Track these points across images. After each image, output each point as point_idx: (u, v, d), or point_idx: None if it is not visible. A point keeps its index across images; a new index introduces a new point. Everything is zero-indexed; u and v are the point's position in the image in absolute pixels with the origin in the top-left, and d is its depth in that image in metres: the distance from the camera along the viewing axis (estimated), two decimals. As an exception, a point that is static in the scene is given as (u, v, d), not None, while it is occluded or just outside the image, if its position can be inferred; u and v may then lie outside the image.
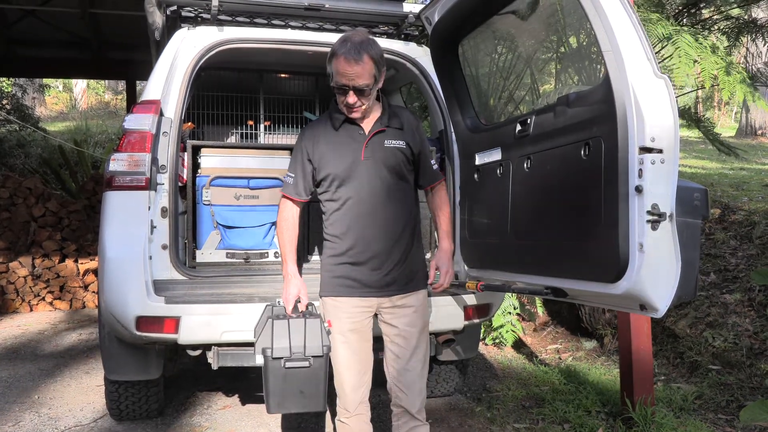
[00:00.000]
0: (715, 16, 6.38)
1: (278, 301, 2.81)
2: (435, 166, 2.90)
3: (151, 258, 3.12)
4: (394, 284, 2.70)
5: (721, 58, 4.54)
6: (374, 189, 2.65)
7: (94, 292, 7.09)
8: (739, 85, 4.49)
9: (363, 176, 2.64)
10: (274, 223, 3.76)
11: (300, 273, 2.82)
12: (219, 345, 3.21)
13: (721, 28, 6.37)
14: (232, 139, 5.24)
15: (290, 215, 2.78)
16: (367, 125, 2.70)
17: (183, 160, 3.48)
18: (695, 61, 4.35)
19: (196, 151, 3.61)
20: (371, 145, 2.67)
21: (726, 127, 15.81)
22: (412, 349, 2.73)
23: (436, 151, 3.76)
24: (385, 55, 3.82)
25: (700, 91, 4.90)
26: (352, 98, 2.56)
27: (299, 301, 2.74)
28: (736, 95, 4.59)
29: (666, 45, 4.48)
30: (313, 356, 2.60)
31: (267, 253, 3.68)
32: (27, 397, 4.30)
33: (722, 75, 4.46)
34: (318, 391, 2.63)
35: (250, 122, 5.29)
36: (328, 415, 3.95)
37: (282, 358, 2.57)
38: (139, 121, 3.19)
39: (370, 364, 2.78)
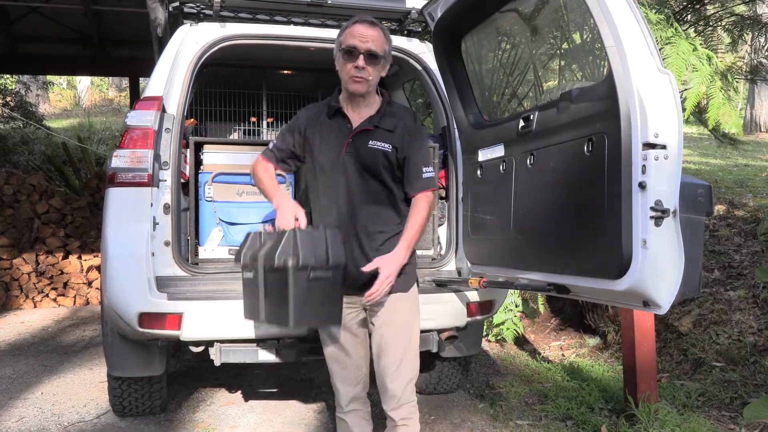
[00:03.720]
0: (719, 12, 6.35)
1: (265, 227, 2.69)
2: (428, 175, 2.62)
3: (153, 254, 3.12)
4: (369, 285, 2.55)
5: (714, 71, 4.49)
6: (351, 188, 2.60)
7: (97, 288, 7.10)
8: (725, 109, 4.44)
9: (341, 172, 2.60)
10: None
11: None
12: (221, 341, 3.22)
13: (725, 25, 6.34)
14: (234, 136, 5.23)
15: (261, 167, 2.76)
16: (357, 120, 2.63)
17: (185, 156, 3.48)
18: (693, 69, 4.31)
19: (198, 147, 3.60)
20: (355, 141, 2.60)
21: (729, 123, 15.73)
22: (387, 348, 2.65)
23: (439, 147, 3.75)
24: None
25: (704, 87, 4.84)
26: (361, 62, 2.49)
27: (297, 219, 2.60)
28: (723, 120, 4.56)
29: (662, 48, 4.44)
30: (335, 266, 2.49)
31: (269, 249, 3.68)
32: (30, 394, 4.31)
33: (714, 95, 4.39)
34: (339, 303, 2.54)
35: (253, 119, 5.29)
36: (329, 412, 3.96)
37: (308, 267, 2.43)
38: (141, 118, 3.19)
39: (360, 360, 2.75)
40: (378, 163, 2.58)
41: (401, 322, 2.66)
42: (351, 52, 2.51)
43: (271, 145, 2.80)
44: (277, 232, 2.56)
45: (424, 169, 2.61)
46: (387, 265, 2.53)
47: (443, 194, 3.81)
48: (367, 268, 2.54)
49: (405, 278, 2.64)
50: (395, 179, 2.64)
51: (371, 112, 2.64)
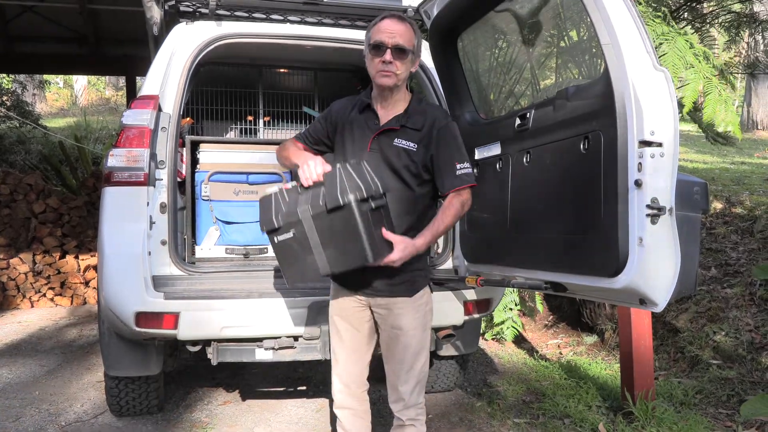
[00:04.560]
0: (716, 10, 6.35)
1: (280, 187, 2.59)
2: (462, 171, 2.53)
3: (150, 254, 3.11)
4: (375, 286, 2.57)
5: (712, 66, 4.49)
6: None
7: (94, 288, 7.09)
8: (722, 106, 4.43)
9: None
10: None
11: None
12: (218, 340, 3.21)
13: (721, 22, 6.34)
14: (231, 135, 5.22)
15: (291, 143, 2.79)
16: (385, 118, 2.60)
17: (182, 155, 3.47)
18: (689, 66, 4.31)
19: (195, 146, 3.60)
20: (380, 138, 2.58)
21: (726, 120, 15.77)
22: (392, 353, 2.66)
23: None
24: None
25: (701, 84, 4.83)
26: (389, 56, 2.47)
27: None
28: (719, 118, 4.55)
29: (659, 45, 4.44)
30: (385, 192, 2.43)
31: (266, 248, 3.68)
32: (27, 393, 4.30)
33: (712, 92, 4.38)
34: (391, 222, 2.47)
35: (250, 117, 5.27)
36: (327, 411, 3.96)
37: (368, 198, 2.36)
38: (137, 117, 3.18)
39: (359, 357, 2.74)
40: (403, 163, 2.54)
41: (406, 329, 2.61)
42: (379, 47, 2.49)
43: (303, 130, 2.82)
44: (304, 185, 2.48)
45: (457, 166, 2.53)
46: (401, 244, 2.42)
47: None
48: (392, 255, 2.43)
49: (409, 284, 2.60)
50: (418, 180, 2.58)
51: (400, 110, 2.60)
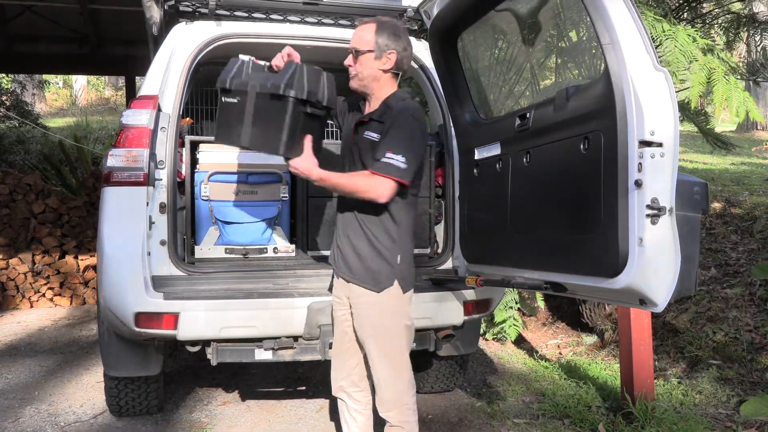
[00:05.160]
0: (715, 10, 6.35)
1: (251, 58, 2.88)
2: (388, 160, 2.52)
3: (149, 254, 3.11)
4: (340, 263, 2.75)
5: (719, 57, 4.48)
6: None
7: (94, 288, 7.09)
8: (735, 92, 4.40)
9: (347, 157, 2.80)
10: (273, 219, 3.75)
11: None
12: (218, 341, 3.21)
13: (721, 23, 6.34)
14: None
15: None
16: (366, 111, 2.79)
17: (181, 155, 3.47)
18: (691, 61, 4.29)
19: (194, 146, 3.59)
20: (358, 131, 2.76)
21: (727, 121, 15.77)
22: (364, 348, 2.75)
23: (436, 145, 3.75)
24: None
25: (700, 85, 4.82)
26: (347, 60, 2.70)
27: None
28: (733, 103, 4.50)
29: (658, 44, 4.43)
30: (328, 107, 2.77)
31: (266, 248, 3.67)
32: (27, 394, 4.30)
33: (719, 81, 4.35)
34: (320, 141, 2.85)
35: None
36: (327, 411, 3.96)
37: (307, 102, 2.68)
38: (136, 117, 3.18)
39: (346, 353, 2.84)
40: (368, 153, 2.66)
41: (372, 325, 2.69)
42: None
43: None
44: (268, 64, 2.79)
45: (388, 154, 2.53)
46: (306, 159, 2.63)
47: (440, 192, 3.81)
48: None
49: (376, 276, 2.65)
50: None
51: (376, 105, 2.75)
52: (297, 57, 2.79)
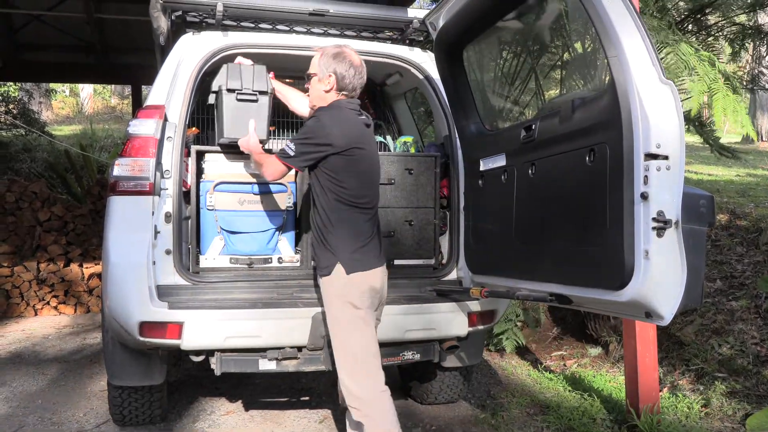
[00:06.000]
0: (721, 22, 6.35)
1: (240, 58, 3.43)
2: (285, 146, 2.93)
3: (154, 263, 3.11)
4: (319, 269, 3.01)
5: (720, 72, 4.47)
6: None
7: (98, 296, 7.09)
8: (732, 105, 4.40)
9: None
10: (278, 229, 3.75)
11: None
12: (222, 351, 3.21)
13: (726, 34, 6.34)
14: (236, 144, 5.22)
15: None
16: None
17: (187, 165, 3.48)
18: (691, 72, 4.29)
19: (200, 156, 3.60)
20: None
21: (732, 132, 15.77)
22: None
23: (441, 156, 3.75)
24: (390, 61, 3.83)
25: (705, 96, 4.82)
26: (306, 83, 3.05)
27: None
28: (731, 119, 4.51)
29: (662, 55, 4.43)
30: (258, 91, 3.28)
31: (271, 258, 3.67)
32: (30, 402, 4.29)
33: (719, 92, 4.35)
34: (264, 123, 3.31)
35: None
36: (331, 421, 3.94)
37: (235, 90, 3.24)
38: (143, 126, 3.20)
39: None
40: None
41: (327, 308, 2.96)
42: None
43: None
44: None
45: (286, 142, 2.97)
46: (242, 139, 3.22)
47: (444, 203, 3.81)
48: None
49: (322, 261, 2.94)
50: (317, 178, 2.92)
51: None
52: (247, 63, 3.37)
